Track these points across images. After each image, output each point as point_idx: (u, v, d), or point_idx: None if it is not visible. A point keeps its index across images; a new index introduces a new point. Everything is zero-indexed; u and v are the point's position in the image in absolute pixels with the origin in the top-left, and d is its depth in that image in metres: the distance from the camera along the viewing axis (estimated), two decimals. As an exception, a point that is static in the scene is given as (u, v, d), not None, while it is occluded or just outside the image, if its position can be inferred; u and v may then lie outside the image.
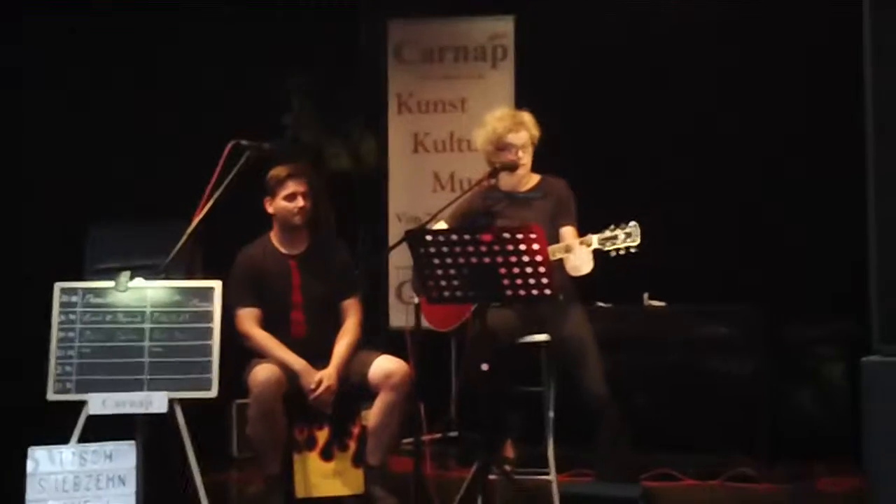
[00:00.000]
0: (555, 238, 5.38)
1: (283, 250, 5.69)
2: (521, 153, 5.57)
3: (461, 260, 4.79)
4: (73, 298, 5.38)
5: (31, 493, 4.54)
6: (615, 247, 5.09)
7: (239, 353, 5.54)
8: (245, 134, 5.58)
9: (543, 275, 4.74)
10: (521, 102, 6.23)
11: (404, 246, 4.97)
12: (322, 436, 5.52)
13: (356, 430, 5.55)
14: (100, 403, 5.17)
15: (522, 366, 5.64)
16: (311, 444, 5.51)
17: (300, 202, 5.59)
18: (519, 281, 4.77)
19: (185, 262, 5.75)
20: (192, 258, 5.94)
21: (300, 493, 5.48)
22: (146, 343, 5.36)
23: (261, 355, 5.47)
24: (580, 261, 5.22)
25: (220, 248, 5.86)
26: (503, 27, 7.85)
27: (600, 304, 6.60)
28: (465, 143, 7.74)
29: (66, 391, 5.25)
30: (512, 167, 5.57)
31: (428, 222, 5.61)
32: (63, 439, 4.95)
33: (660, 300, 6.73)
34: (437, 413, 6.78)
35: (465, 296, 4.94)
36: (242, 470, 6.69)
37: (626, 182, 7.16)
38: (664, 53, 7.23)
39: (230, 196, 5.43)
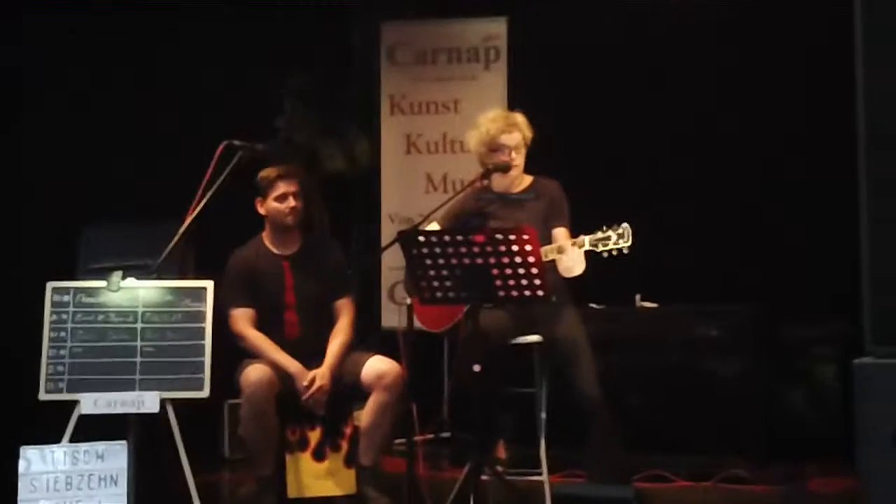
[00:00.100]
0: (547, 239, 5.38)
1: (275, 251, 5.68)
2: (513, 154, 5.57)
3: (454, 261, 4.79)
4: (65, 298, 5.37)
5: (23, 492, 4.53)
6: (607, 248, 5.09)
7: (231, 353, 5.53)
8: (240, 134, 5.59)
9: (536, 276, 4.74)
10: (513, 104, 6.24)
11: (397, 247, 4.97)
12: (314, 436, 5.52)
13: (348, 431, 5.55)
14: (91, 403, 5.17)
15: (515, 367, 5.65)
16: (303, 444, 5.51)
17: (291, 202, 5.59)
18: (511, 282, 4.77)
19: (178, 262, 5.74)
20: (185, 258, 5.93)
21: (292, 493, 5.48)
22: (138, 343, 5.35)
23: (254, 356, 5.47)
24: (572, 262, 5.22)
25: (213, 248, 5.85)
26: (496, 29, 7.85)
27: (593, 305, 6.60)
28: (458, 144, 7.73)
29: (58, 391, 5.24)
30: (504, 168, 5.57)
31: (420, 223, 5.60)
32: (55, 439, 4.95)
33: (652, 301, 6.73)
34: (430, 414, 6.79)
35: (458, 297, 4.94)
36: (234, 470, 6.69)
37: (618, 183, 7.16)
38: (658, 54, 7.24)
39: (223, 196, 5.43)
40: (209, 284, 5.48)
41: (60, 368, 5.27)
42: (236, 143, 5.54)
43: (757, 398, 6.46)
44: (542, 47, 7.51)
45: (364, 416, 5.45)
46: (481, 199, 5.65)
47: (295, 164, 6.22)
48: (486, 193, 5.65)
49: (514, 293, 4.80)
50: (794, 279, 6.89)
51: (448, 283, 4.86)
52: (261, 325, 5.56)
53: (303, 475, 5.49)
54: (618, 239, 5.06)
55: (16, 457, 4.58)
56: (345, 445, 5.54)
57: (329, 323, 5.64)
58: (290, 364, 5.42)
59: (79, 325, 5.34)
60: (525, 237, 4.68)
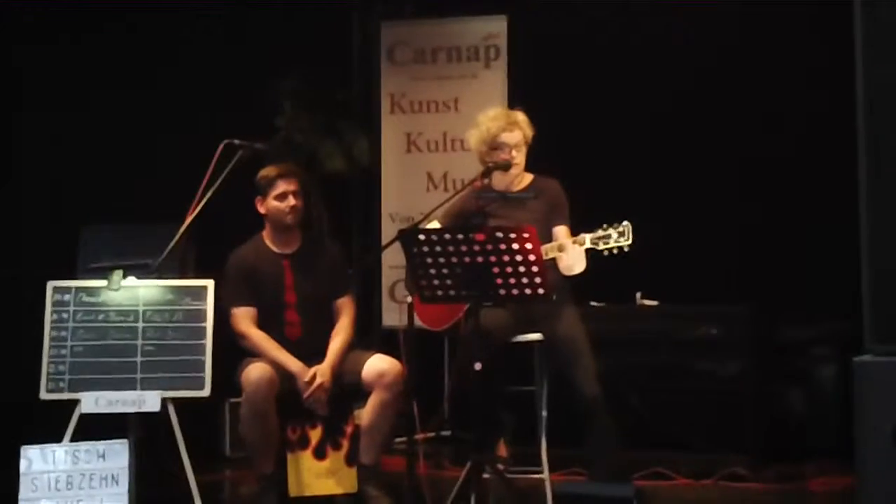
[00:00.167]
0: (548, 237, 5.38)
1: (275, 250, 5.69)
2: (514, 152, 5.57)
3: (454, 259, 4.79)
4: (66, 297, 5.38)
5: (24, 491, 4.54)
6: (608, 246, 5.10)
7: (232, 351, 5.54)
8: (240, 134, 5.59)
9: (536, 274, 4.75)
10: (513, 102, 6.24)
11: (397, 245, 4.97)
12: (315, 435, 5.52)
13: (349, 429, 5.55)
14: (93, 402, 5.18)
15: (515, 365, 5.65)
16: (304, 443, 5.51)
17: (291, 201, 5.59)
18: (512, 280, 4.78)
19: (178, 260, 5.75)
20: (185, 257, 5.94)
21: (293, 492, 5.48)
22: (139, 342, 5.36)
23: (256, 355, 5.47)
24: (573, 260, 5.22)
25: (213, 247, 5.86)
26: (496, 27, 7.85)
27: (593, 303, 6.60)
28: (459, 142, 7.73)
29: (59, 390, 5.26)
30: (505, 167, 5.56)
31: (421, 222, 5.60)
32: (56, 438, 4.95)
33: (653, 300, 6.73)
34: (431, 412, 6.79)
35: (459, 295, 4.94)
36: (235, 469, 6.69)
37: (618, 182, 7.16)
38: (658, 53, 7.23)
39: (223, 195, 5.44)
40: (210, 283, 5.48)
41: (61, 368, 5.28)
42: (236, 142, 5.56)
43: (756, 396, 6.45)
44: (542, 45, 7.51)
45: (365, 414, 5.45)
46: (482, 198, 5.64)
47: (294, 163, 6.23)
48: (487, 192, 5.64)
49: (515, 291, 4.81)
50: (793, 278, 6.89)
51: (449, 282, 4.87)
52: (261, 324, 5.57)
53: (304, 474, 5.50)
54: (618, 237, 5.07)
55: (17, 456, 4.59)
56: (346, 444, 5.55)
57: (330, 322, 5.64)
58: (292, 363, 5.42)
59: (80, 325, 5.35)
60: (525, 235, 4.69)
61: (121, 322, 5.38)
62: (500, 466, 5.46)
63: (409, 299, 5.30)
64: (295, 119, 7.70)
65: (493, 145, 5.58)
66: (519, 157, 5.60)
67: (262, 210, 5.65)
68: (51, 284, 5.39)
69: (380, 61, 8.08)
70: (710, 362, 6.44)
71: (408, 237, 4.88)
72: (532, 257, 4.71)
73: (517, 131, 5.59)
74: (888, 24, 4.09)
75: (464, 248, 4.76)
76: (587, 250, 5.17)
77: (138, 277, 5.47)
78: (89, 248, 6.22)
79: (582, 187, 5.76)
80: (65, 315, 5.35)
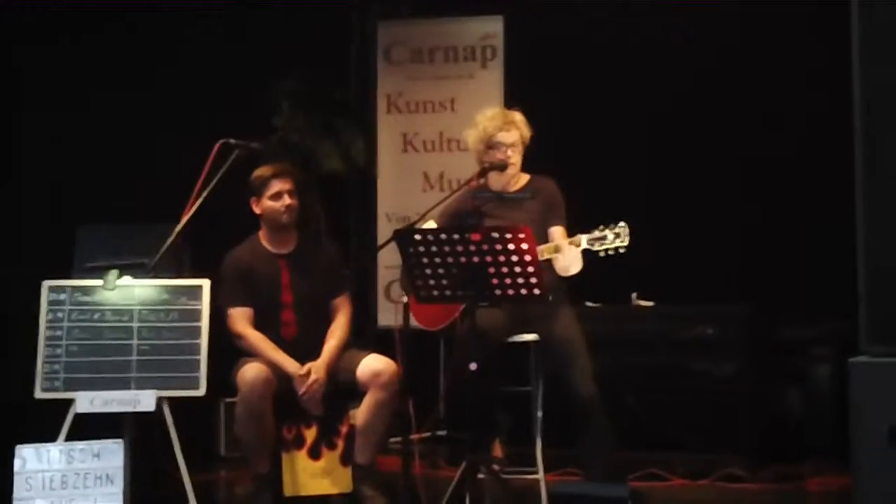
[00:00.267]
0: (544, 238, 5.38)
1: (272, 250, 5.68)
2: (510, 152, 5.56)
3: (450, 259, 4.79)
4: (61, 296, 5.37)
5: (19, 491, 4.53)
6: (604, 247, 5.09)
7: (227, 351, 5.53)
8: (237, 133, 5.59)
9: (532, 274, 4.74)
10: (510, 102, 6.23)
11: (393, 245, 4.97)
12: (310, 434, 5.52)
13: (344, 429, 5.55)
14: (87, 402, 5.17)
15: (511, 365, 5.65)
16: (299, 442, 5.51)
17: (286, 200, 5.58)
18: (508, 280, 4.77)
19: (174, 260, 5.74)
20: (181, 256, 5.94)
21: (288, 491, 5.48)
22: (134, 341, 5.36)
23: (252, 355, 5.47)
24: (569, 261, 5.22)
25: (209, 246, 5.85)
26: (492, 27, 7.87)
27: (589, 303, 6.60)
28: (455, 142, 7.75)
29: (54, 389, 5.25)
30: (501, 167, 5.56)
31: (417, 222, 5.61)
32: (51, 437, 4.95)
33: (648, 300, 6.73)
34: (426, 412, 6.79)
35: (454, 295, 4.94)
36: (230, 469, 6.69)
37: (615, 182, 7.16)
38: (655, 53, 7.24)
39: (219, 195, 5.44)
40: (205, 283, 5.48)
41: (56, 367, 5.27)
42: (232, 141, 5.55)
43: (753, 397, 6.45)
44: (538, 46, 7.51)
45: (360, 414, 5.45)
46: (478, 198, 5.63)
47: (290, 163, 6.22)
48: (483, 192, 5.64)
49: (511, 292, 4.80)
50: (791, 278, 6.90)
51: (444, 282, 4.86)
52: (258, 323, 5.56)
53: (299, 473, 5.49)
54: (615, 238, 5.06)
55: (11, 455, 4.58)
56: (341, 444, 5.54)
57: (326, 321, 5.64)
58: (288, 363, 5.42)
59: (75, 324, 5.35)
60: (521, 236, 4.68)
61: (116, 321, 5.38)
62: (496, 467, 5.45)
63: (405, 299, 5.30)
64: (292, 119, 7.70)
65: (490, 144, 5.58)
66: (515, 157, 5.60)
67: (257, 210, 5.64)
68: (46, 284, 5.38)
69: (376, 61, 8.09)
70: (706, 362, 6.44)
71: (404, 237, 4.87)
72: (528, 257, 4.71)
73: (514, 131, 5.59)
74: (885, 24, 4.08)
75: (459, 248, 4.75)
76: (583, 251, 5.16)
77: (134, 277, 5.46)
78: (85, 248, 6.21)
79: (579, 187, 5.75)
80: (60, 314, 5.34)
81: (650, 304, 6.71)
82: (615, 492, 5.23)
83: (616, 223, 5.08)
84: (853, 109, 4.12)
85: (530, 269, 4.73)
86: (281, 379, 5.38)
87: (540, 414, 5.56)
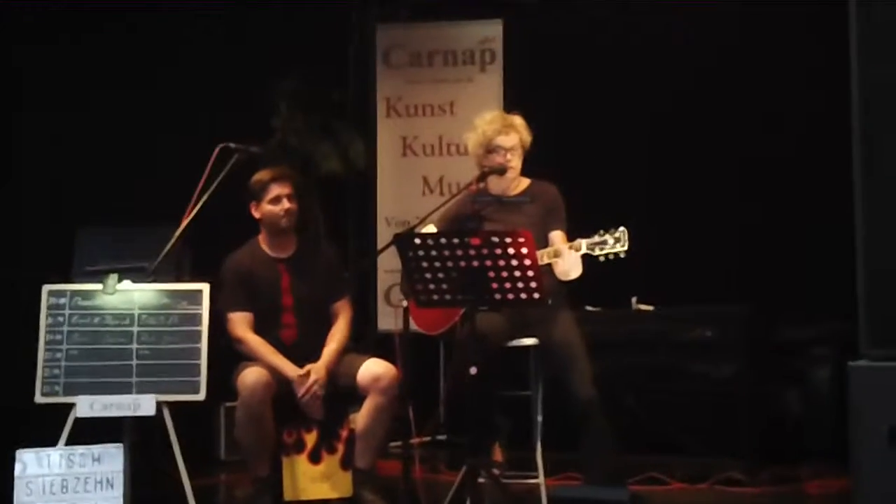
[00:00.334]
0: (544, 242, 5.38)
1: (271, 254, 5.68)
2: (509, 156, 5.56)
3: (450, 263, 4.79)
4: (61, 301, 5.37)
5: (19, 495, 4.54)
6: (604, 252, 5.08)
7: (227, 355, 5.53)
8: (236, 136, 5.59)
9: (532, 279, 4.75)
10: (509, 106, 6.24)
11: (393, 249, 4.98)
12: (310, 439, 5.52)
13: (344, 433, 5.54)
14: (87, 406, 5.17)
15: (511, 369, 5.64)
16: (299, 446, 5.50)
17: (286, 204, 5.58)
18: (507, 285, 4.78)
19: (174, 264, 5.74)
20: (181, 261, 5.93)
21: (288, 496, 5.48)
22: (134, 346, 5.36)
23: (252, 359, 5.47)
24: (569, 265, 5.21)
25: (209, 250, 5.85)
26: (492, 31, 7.88)
27: (589, 307, 6.60)
28: (454, 146, 7.76)
29: (54, 394, 5.24)
30: (500, 171, 5.55)
31: (417, 225, 5.60)
32: (51, 442, 4.95)
33: (648, 304, 6.73)
34: (426, 416, 6.79)
35: (454, 299, 4.94)
36: (230, 473, 6.68)
37: (614, 186, 7.17)
38: (654, 56, 7.24)
39: (218, 199, 5.44)
40: (205, 287, 5.48)
41: (56, 371, 5.27)
42: (232, 145, 5.55)
43: (752, 399, 6.46)
44: (537, 49, 7.51)
45: (360, 418, 5.45)
46: (477, 202, 5.64)
47: (290, 167, 6.23)
48: (483, 196, 5.64)
49: (510, 296, 4.81)
50: (791, 278, 6.90)
51: (444, 286, 4.87)
52: (258, 327, 5.56)
53: (299, 478, 5.49)
54: (615, 243, 5.05)
55: (11, 460, 4.58)
56: (341, 448, 5.54)
57: (326, 325, 5.64)
58: (288, 367, 5.42)
59: (75, 328, 5.35)
60: (521, 240, 4.69)
61: (116, 326, 5.38)
62: (496, 471, 5.46)
63: (405, 303, 5.30)
64: (290, 121, 7.70)
65: (489, 148, 5.58)
66: (515, 161, 5.59)
67: (256, 215, 5.65)
68: (46, 288, 5.38)
69: (375, 65, 8.09)
70: (705, 364, 6.45)
71: (403, 241, 4.87)
72: (527, 262, 4.71)
73: (513, 134, 5.58)
74: (883, 24, 4.08)
75: (459, 253, 4.76)
76: (583, 256, 5.16)
77: (134, 281, 5.46)
78: (85, 251, 6.21)
79: (579, 190, 5.75)
80: (60, 319, 5.34)
81: (650, 307, 6.72)
82: (615, 496, 5.24)
83: (616, 228, 5.07)
84: (851, 109, 4.12)
85: (530, 273, 4.74)
86: (281, 383, 5.38)
87: (540, 418, 5.56)
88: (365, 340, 7.17)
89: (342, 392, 5.51)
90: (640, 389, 6.45)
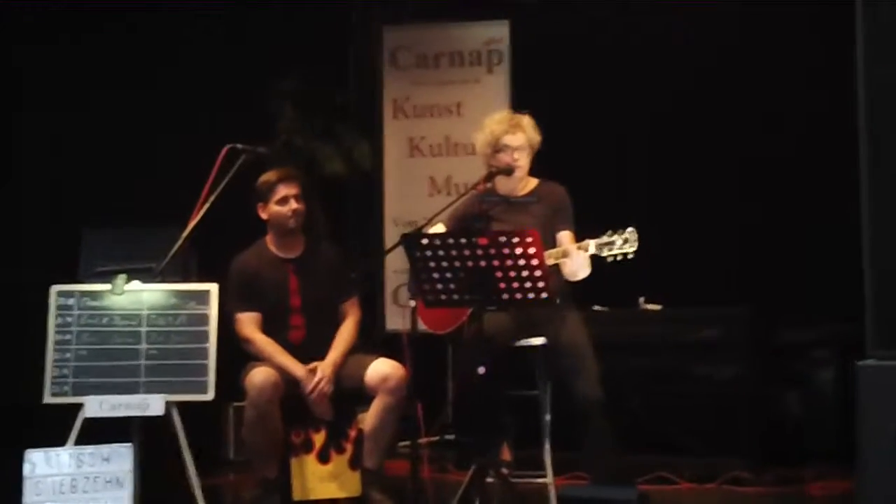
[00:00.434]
0: (551, 242, 5.37)
1: (279, 254, 5.69)
2: (516, 155, 5.55)
3: (457, 263, 4.80)
4: (70, 301, 5.39)
5: (28, 495, 4.54)
6: (612, 252, 5.06)
7: (235, 355, 5.54)
8: (242, 137, 5.60)
9: (539, 279, 4.75)
10: (516, 107, 6.24)
11: (401, 250, 4.98)
12: (319, 439, 5.53)
13: (353, 433, 5.56)
14: (96, 406, 5.18)
15: (518, 369, 5.65)
16: (307, 446, 5.52)
17: (293, 205, 5.59)
18: (515, 285, 4.78)
19: (181, 265, 5.75)
20: (188, 261, 5.94)
21: (297, 495, 5.49)
22: (142, 346, 5.37)
23: (260, 359, 5.48)
24: (577, 266, 5.21)
25: (216, 251, 5.86)
26: (498, 32, 7.87)
27: (596, 307, 6.61)
28: (461, 147, 7.76)
29: (63, 394, 5.26)
30: (507, 171, 5.54)
31: (424, 226, 5.61)
32: (60, 442, 4.96)
33: (656, 303, 6.74)
34: (434, 416, 6.79)
35: (462, 299, 4.95)
36: (239, 473, 6.69)
37: (621, 186, 7.17)
38: (661, 57, 7.24)
39: (225, 199, 5.45)
40: (213, 287, 5.49)
41: (65, 371, 5.28)
42: (239, 146, 5.56)
43: (758, 400, 6.46)
44: (544, 50, 7.51)
45: (368, 418, 5.46)
46: (485, 202, 5.63)
47: (296, 168, 6.24)
48: (490, 196, 5.64)
49: (518, 296, 4.81)
50: (794, 279, 6.89)
51: (452, 286, 4.87)
52: (266, 328, 5.57)
53: (307, 478, 5.50)
54: (623, 244, 5.03)
55: (21, 460, 4.59)
56: (349, 448, 5.55)
57: (334, 325, 5.65)
58: (296, 367, 5.43)
59: (83, 329, 5.36)
60: (528, 240, 4.69)
61: (124, 326, 5.39)
62: (504, 470, 5.47)
63: (413, 303, 5.30)
64: (296, 122, 7.70)
65: (497, 148, 5.58)
66: (522, 161, 5.58)
67: (263, 215, 5.66)
68: (54, 289, 5.40)
69: (382, 66, 8.09)
70: (712, 366, 6.44)
71: (411, 241, 4.88)
72: (535, 262, 4.72)
73: (520, 134, 5.58)
74: (889, 24, 4.09)
75: (467, 253, 4.76)
76: (591, 256, 5.16)
77: (142, 281, 5.48)
78: (93, 252, 6.22)
79: (584, 191, 5.74)
80: (69, 319, 5.36)
81: (658, 307, 6.72)
82: (623, 495, 5.24)
83: (624, 228, 5.06)
84: (857, 109, 4.13)
85: (537, 273, 4.74)
86: (289, 383, 5.40)
87: (548, 418, 5.56)
88: (373, 340, 7.17)
89: (350, 392, 5.52)
90: (649, 389, 6.45)
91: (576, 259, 5.18)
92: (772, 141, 7.03)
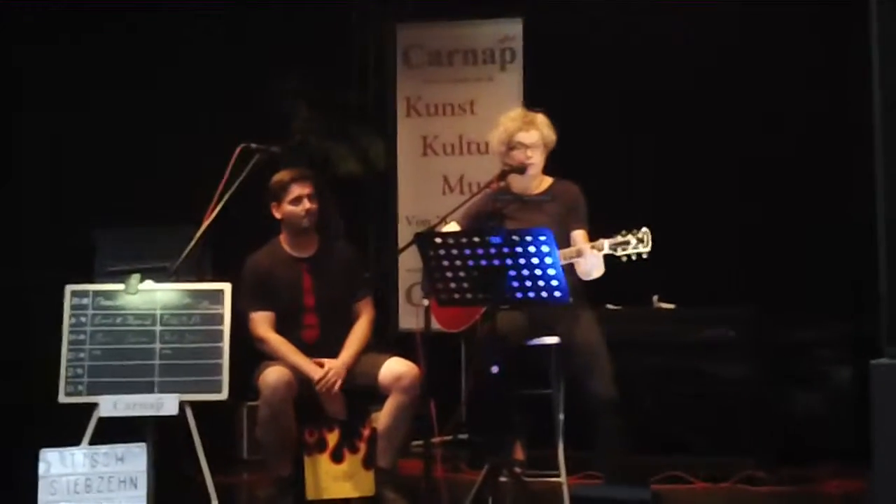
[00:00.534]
0: (565, 241, 5.36)
1: (293, 254, 5.70)
2: (529, 152, 5.54)
3: (470, 262, 4.79)
4: (84, 301, 5.41)
5: (44, 495, 4.56)
6: (626, 252, 5.06)
7: (249, 355, 5.55)
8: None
9: (553, 277, 4.74)
10: (529, 105, 6.24)
11: (414, 248, 4.98)
12: (332, 438, 5.53)
13: (366, 433, 5.56)
14: (111, 405, 5.20)
15: (532, 368, 5.64)
16: (321, 446, 5.52)
17: (306, 204, 5.60)
18: (528, 283, 4.77)
19: (195, 264, 5.77)
20: (202, 261, 5.96)
21: (310, 495, 5.49)
22: (156, 345, 5.39)
23: (274, 359, 5.49)
24: (591, 265, 5.21)
25: (229, 250, 5.87)
26: (512, 30, 7.86)
27: (609, 305, 6.60)
28: (475, 145, 7.76)
29: (78, 393, 5.28)
30: (520, 170, 5.54)
31: (437, 224, 5.61)
32: (74, 441, 4.97)
33: (669, 302, 6.72)
34: (448, 415, 6.79)
35: (475, 298, 4.94)
36: (252, 472, 6.70)
37: (633, 185, 7.16)
38: (673, 56, 7.23)
39: (238, 198, 5.46)
40: (227, 287, 5.51)
41: (80, 371, 5.30)
42: (253, 145, 5.57)
43: (772, 399, 6.45)
44: (558, 48, 7.50)
45: (382, 417, 5.46)
46: (499, 200, 5.63)
47: (310, 167, 6.24)
48: (504, 194, 5.63)
49: (531, 295, 4.80)
50: (806, 278, 6.88)
51: (465, 285, 4.86)
52: (279, 327, 5.58)
53: (321, 477, 5.51)
54: (637, 243, 5.02)
55: (36, 459, 4.61)
56: (363, 447, 5.55)
57: (347, 324, 5.65)
58: (310, 367, 5.43)
59: (98, 328, 5.38)
60: (542, 238, 4.68)
61: (138, 326, 5.41)
62: (517, 470, 5.46)
63: (426, 302, 5.30)
64: (310, 121, 7.71)
65: (511, 145, 5.57)
66: (536, 158, 5.57)
67: (277, 215, 5.66)
68: (69, 288, 5.42)
69: (395, 64, 8.09)
70: (725, 365, 6.42)
71: (424, 240, 4.88)
72: (548, 260, 4.71)
73: (534, 131, 5.57)
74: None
75: (480, 252, 4.75)
76: (605, 255, 5.15)
77: (156, 281, 5.49)
78: (107, 251, 6.24)
79: (597, 190, 5.72)
80: (83, 319, 5.38)
81: (672, 306, 6.70)
82: (637, 494, 5.23)
83: (639, 228, 5.05)
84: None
85: (551, 272, 4.73)
86: (303, 382, 5.40)
87: (561, 417, 5.56)
88: (386, 339, 7.18)
89: (363, 391, 5.52)
90: (662, 388, 6.44)
91: (590, 258, 5.17)
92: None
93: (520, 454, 5.80)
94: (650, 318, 6.71)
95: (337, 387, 5.43)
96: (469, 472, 6.24)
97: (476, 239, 4.76)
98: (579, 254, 5.23)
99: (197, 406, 5.30)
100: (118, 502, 4.62)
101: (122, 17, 7.30)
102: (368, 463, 5.54)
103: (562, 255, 4.98)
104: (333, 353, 5.50)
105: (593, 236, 5.27)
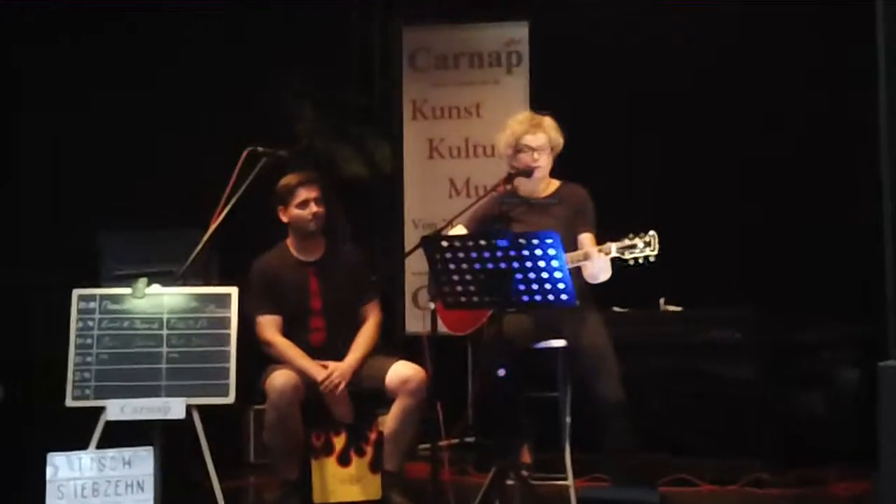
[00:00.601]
0: (572, 244, 5.36)
1: (299, 257, 5.70)
2: (536, 155, 5.53)
3: (477, 266, 4.79)
4: (91, 305, 5.41)
5: (51, 498, 4.55)
6: (634, 255, 5.07)
7: (256, 358, 5.55)
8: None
9: (559, 280, 4.74)
10: (536, 108, 6.24)
11: (420, 252, 4.98)
12: (339, 441, 5.54)
13: (373, 436, 5.56)
14: (118, 409, 5.20)
15: (539, 371, 5.64)
16: (328, 449, 5.52)
17: (313, 208, 5.61)
18: (535, 287, 4.77)
19: (202, 268, 5.77)
20: (209, 264, 5.96)
21: (318, 498, 5.50)
22: (164, 349, 5.39)
23: (281, 362, 5.49)
24: (598, 269, 5.21)
25: (236, 254, 5.88)
26: (518, 33, 7.87)
27: (616, 308, 6.59)
28: (481, 148, 7.76)
29: (85, 397, 5.29)
30: (526, 173, 5.54)
31: (444, 228, 5.61)
32: (82, 445, 4.97)
33: (676, 305, 6.72)
34: (455, 418, 6.79)
35: (482, 301, 4.94)
36: (260, 475, 6.70)
37: (640, 188, 7.16)
38: (679, 59, 7.22)
39: (244, 202, 5.46)
40: (234, 290, 5.51)
41: (87, 375, 5.31)
42: (260, 149, 5.57)
43: (779, 401, 6.44)
44: (564, 51, 7.50)
45: (388, 421, 5.46)
46: (505, 204, 5.64)
47: (316, 170, 6.24)
48: (511, 198, 5.64)
49: (538, 298, 4.80)
50: (817, 282, 6.87)
51: (472, 288, 4.86)
52: (286, 331, 5.58)
53: (328, 480, 5.51)
54: (644, 247, 5.03)
55: (43, 463, 4.61)
56: (370, 451, 5.56)
57: (354, 327, 5.66)
58: (317, 371, 5.44)
59: (105, 332, 5.38)
60: (549, 242, 4.68)
61: (146, 329, 5.41)
62: (524, 472, 5.46)
63: (433, 306, 5.30)
64: (316, 124, 7.71)
65: (517, 148, 5.57)
66: (543, 161, 5.57)
67: (284, 219, 5.67)
68: (76, 292, 5.42)
69: (402, 67, 8.10)
70: (731, 367, 6.42)
71: (431, 243, 4.88)
72: (555, 264, 4.70)
73: (541, 134, 5.57)
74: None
75: (487, 255, 4.75)
76: (612, 259, 5.15)
77: (163, 285, 5.49)
78: (114, 255, 6.24)
79: (603, 193, 5.72)
80: (90, 323, 5.38)
81: (678, 308, 6.70)
82: (644, 497, 5.23)
83: (646, 232, 5.05)
84: (877, 108, 4.11)
85: (557, 275, 4.73)
86: (309, 386, 5.41)
87: (568, 420, 5.55)
88: (393, 342, 7.18)
89: (370, 394, 5.52)
90: (669, 391, 6.44)
91: (597, 262, 5.18)
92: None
93: (527, 457, 5.79)
94: (657, 320, 6.71)
95: (341, 388, 5.43)
96: (476, 476, 6.24)
97: (483, 242, 4.76)
98: (586, 257, 5.23)
99: (204, 410, 5.30)
100: (125, 506, 4.62)
101: (122, 17, 7.29)
102: (375, 466, 5.54)
103: (569, 259, 4.98)
104: (340, 357, 5.51)
105: (600, 238, 5.27)
